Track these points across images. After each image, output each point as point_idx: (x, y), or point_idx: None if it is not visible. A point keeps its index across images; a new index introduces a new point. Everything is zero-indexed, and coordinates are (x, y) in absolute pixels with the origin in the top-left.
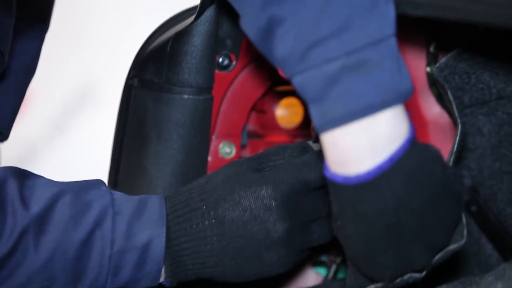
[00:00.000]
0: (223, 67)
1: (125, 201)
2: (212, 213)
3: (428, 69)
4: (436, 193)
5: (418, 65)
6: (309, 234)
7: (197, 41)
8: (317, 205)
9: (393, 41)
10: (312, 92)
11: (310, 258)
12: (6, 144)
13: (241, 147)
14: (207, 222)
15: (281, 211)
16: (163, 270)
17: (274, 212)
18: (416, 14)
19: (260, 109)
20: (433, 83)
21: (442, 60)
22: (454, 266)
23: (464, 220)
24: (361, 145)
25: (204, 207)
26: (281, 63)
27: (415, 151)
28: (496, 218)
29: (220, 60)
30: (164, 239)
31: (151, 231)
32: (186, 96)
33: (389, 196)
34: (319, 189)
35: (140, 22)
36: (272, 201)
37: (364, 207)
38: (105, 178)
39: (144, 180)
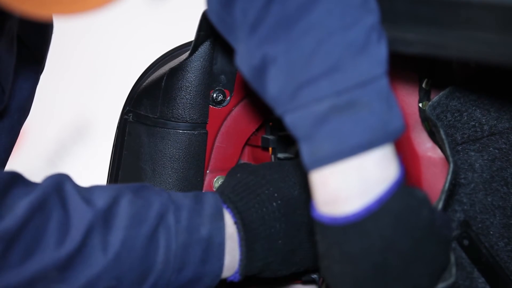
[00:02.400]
0: (217, 103)
1: (182, 197)
2: (276, 195)
3: (420, 105)
4: (423, 237)
5: (410, 101)
6: None
7: (192, 76)
8: None
9: (383, 81)
10: (302, 130)
11: (300, 275)
12: None
13: None
14: (274, 204)
15: None
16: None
17: None
18: (409, 51)
19: (254, 144)
20: (425, 118)
21: (435, 98)
22: None
23: (452, 258)
24: (349, 185)
25: (267, 191)
26: (273, 101)
27: (403, 194)
28: (488, 252)
29: (214, 95)
30: (224, 233)
31: (211, 225)
32: (180, 131)
33: (376, 237)
34: None
35: (135, 57)
36: None
37: (351, 247)
38: None
39: None
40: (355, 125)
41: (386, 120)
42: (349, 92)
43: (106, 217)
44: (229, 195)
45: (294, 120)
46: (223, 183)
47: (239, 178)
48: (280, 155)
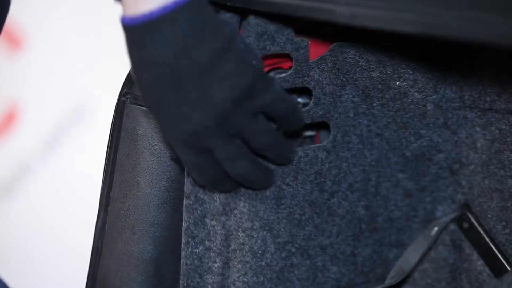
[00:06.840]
0: None
1: None
2: None
3: None
4: (220, 51)
5: None
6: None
7: None
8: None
9: None
10: None
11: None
12: None
13: None
14: None
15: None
16: None
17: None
18: (407, 31)
19: None
20: None
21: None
22: (446, 282)
23: (434, 232)
24: None
25: None
26: None
27: (204, 7)
28: (487, 235)
29: None
30: None
31: None
32: None
33: (171, 40)
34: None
35: None
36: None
37: (149, 51)
38: (97, 195)
39: (137, 196)
40: None
41: None
42: None
43: None
44: None
45: None
46: None
47: None
48: None
